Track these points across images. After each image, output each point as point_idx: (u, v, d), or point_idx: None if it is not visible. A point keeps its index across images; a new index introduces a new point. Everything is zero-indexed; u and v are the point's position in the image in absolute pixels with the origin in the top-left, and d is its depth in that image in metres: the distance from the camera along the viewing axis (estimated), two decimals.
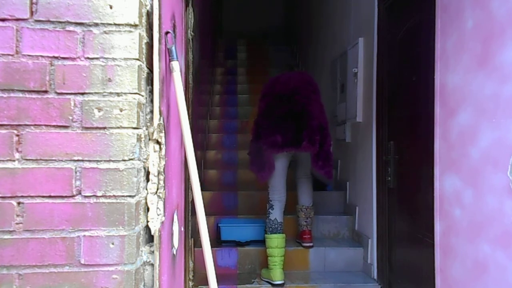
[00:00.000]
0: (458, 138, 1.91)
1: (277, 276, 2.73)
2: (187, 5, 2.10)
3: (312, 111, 2.78)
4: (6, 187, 1.04)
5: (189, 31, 2.20)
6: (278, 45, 7.16)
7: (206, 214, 1.42)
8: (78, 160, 1.07)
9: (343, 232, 3.45)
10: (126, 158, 1.08)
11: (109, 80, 1.08)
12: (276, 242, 2.77)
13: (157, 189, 1.21)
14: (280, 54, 6.84)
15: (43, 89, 1.06)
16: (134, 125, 1.09)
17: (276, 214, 2.84)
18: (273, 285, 2.74)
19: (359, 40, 3.23)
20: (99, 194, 1.07)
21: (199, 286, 2.61)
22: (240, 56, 6.75)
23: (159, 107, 1.24)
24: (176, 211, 1.67)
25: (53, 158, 1.06)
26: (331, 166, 2.84)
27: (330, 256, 3.10)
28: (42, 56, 1.06)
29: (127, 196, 1.08)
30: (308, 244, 3.09)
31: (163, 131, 1.27)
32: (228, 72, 6.18)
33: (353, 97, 3.36)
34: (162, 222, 1.29)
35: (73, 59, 1.07)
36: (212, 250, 1.55)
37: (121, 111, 1.08)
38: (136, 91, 1.09)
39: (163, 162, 1.25)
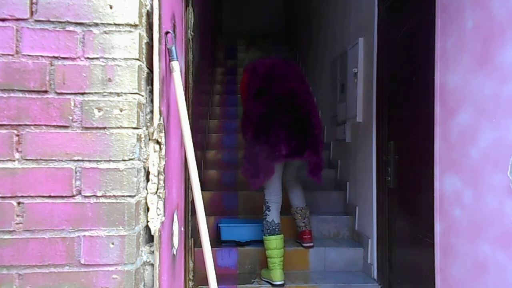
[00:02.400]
0: (458, 138, 1.91)
1: (277, 276, 2.73)
2: (187, 5, 2.10)
3: (314, 119, 2.78)
4: (6, 187, 1.04)
5: (189, 31, 2.20)
6: (278, 45, 7.15)
7: (206, 214, 1.42)
8: (78, 160, 1.07)
9: (343, 232, 3.45)
10: (126, 158, 1.08)
11: (109, 80, 1.08)
12: (274, 243, 2.77)
13: (157, 189, 1.21)
14: (280, 54, 6.84)
15: (43, 89, 1.06)
16: (134, 125, 1.09)
17: (273, 215, 2.83)
18: (273, 285, 2.74)
19: (359, 40, 3.23)
20: (99, 194, 1.07)
21: (199, 286, 2.61)
22: (240, 56, 6.75)
23: (159, 107, 1.24)
24: (176, 211, 1.67)
25: (53, 158, 1.06)
26: (321, 172, 2.87)
27: (330, 256, 3.10)
28: (42, 56, 1.06)
29: (127, 196, 1.08)
30: (308, 244, 3.09)
31: (163, 131, 1.27)
32: (228, 72, 6.18)
33: (353, 97, 3.36)
34: (162, 222, 1.29)
35: (73, 59, 1.07)
36: (212, 250, 1.55)
37: (121, 111, 1.08)
38: (136, 91, 1.09)
39: (163, 162, 1.25)
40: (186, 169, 2.02)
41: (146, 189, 1.17)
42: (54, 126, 1.06)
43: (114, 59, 1.08)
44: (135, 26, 1.09)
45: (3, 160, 1.04)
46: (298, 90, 2.80)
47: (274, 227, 2.81)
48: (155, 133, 1.20)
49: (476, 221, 1.78)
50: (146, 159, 1.16)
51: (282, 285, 2.74)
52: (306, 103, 2.77)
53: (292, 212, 3.14)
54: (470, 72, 1.83)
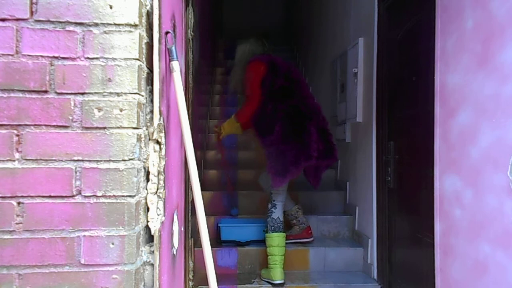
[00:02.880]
0: (458, 138, 1.91)
1: (278, 275, 2.73)
2: (187, 5, 2.10)
3: (329, 128, 2.92)
4: (6, 187, 1.04)
5: (189, 31, 2.20)
6: (278, 45, 7.14)
7: (206, 214, 1.42)
8: (78, 160, 1.07)
9: (343, 232, 3.45)
10: (126, 158, 1.08)
11: (109, 80, 1.08)
12: (277, 240, 2.78)
13: (157, 189, 1.21)
14: (280, 54, 6.82)
15: (43, 89, 1.06)
16: (134, 125, 1.09)
17: (279, 213, 2.86)
18: (273, 284, 2.74)
19: (359, 40, 3.23)
20: (99, 194, 1.07)
21: (199, 286, 2.61)
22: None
23: (159, 107, 1.24)
24: (176, 211, 1.67)
25: (53, 158, 1.06)
26: None
27: (330, 256, 3.10)
28: (42, 56, 1.06)
29: (127, 196, 1.08)
30: (312, 238, 3.16)
31: (163, 131, 1.27)
32: (228, 72, 6.16)
33: (353, 97, 3.36)
34: (162, 222, 1.29)
35: (73, 59, 1.07)
36: (212, 250, 1.55)
37: (121, 111, 1.08)
38: (136, 91, 1.09)
39: (163, 162, 1.25)
40: (186, 169, 2.02)
41: (146, 189, 1.17)
42: (54, 126, 1.06)
43: (114, 59, 1.08)
44: (135, 26, 1.09)
45: (3, 160, 1.04)
46: (312, 98, 2.92)
47: (278, 224, 2.83)
48: (155, 133, 1.20)
49: (476, 221, 1.78)
50: (146, 159, 1.16)
51: (282, 284, 2.74)
52: (320, 110, 2.90)
53: (292, 212, 3.16)
54: (470, 72, 1.83)
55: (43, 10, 1.06)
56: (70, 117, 1.06)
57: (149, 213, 1.18)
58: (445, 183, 2.02)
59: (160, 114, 1.26)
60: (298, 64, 6.31)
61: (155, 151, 1.20)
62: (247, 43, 3.17)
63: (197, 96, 3.08)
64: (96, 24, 1.08)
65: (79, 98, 1.07)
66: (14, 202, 1.04)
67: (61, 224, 1.06)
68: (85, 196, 1.07)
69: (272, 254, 2.77)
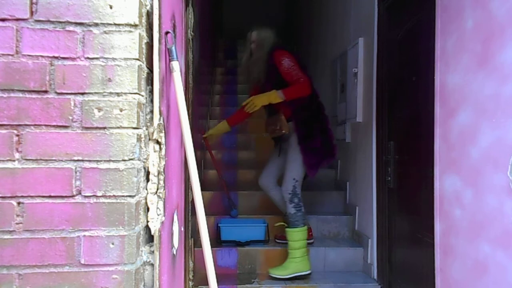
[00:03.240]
0: (458, 138, 1.91)
1: (309, 265, 2.83)
2: (187, 5, 2.10)
3: None
4: (6, 187, 1.04)
5: (189, 31, 2.20)
6: None
7: (206, 214, 1.42)
8: (78, 160, 1.07)
9: (343, 232, 3.45)
10: (126, 158, 1.08)
11: (109, 80, 1.08)
12: (305, 234, 2.84)
13: (157, 189, 1.21)
14: None
15: (43, 89, 1.06)
16: (134, 125, 1.09)
17: (303, 206, 2.90)
18: (304, 276, 2.81)
19: (359, 40, 3.23)
20: (99, 194, 1.07)
21: (199, 286, 2.61)
22: (240, 56, 6.74)
23: (159, 107, 1.24)
24: (176, 211, 1.67)
25: (53, 158, 1.06)
26: None
27: (330, 256, 3.10)
28: (42, 56, 1.06)
29: (127, 196, 1.08)
30: (312, 240, 3.19)
31: (163, 131, 1.27)
32: (228, 72, 6.17)
33: (353, 97, 3.36)
34: (162, 222, 1.29)
35: (73, 59, 1.07)
36: (212, 250, 1.55)
37: (121, 111, 1.08)
38: (136, 91, 1.09)
39: (163, 162, 1.25)
40: (186, 169, 2.02)
41: (146, 189, 1.17)
42: (54, 126, 1.06)
43: (114, 59, 1.08)
44: (135, 26, 1.09)
45: (3, 160, 1.04)
46: None
47: (305, 218, 2.88)
48: (155, 133, 1.20)
49: (476, 221, 1.78)
50: (146, 159, 1.16)
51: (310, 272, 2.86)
52: None
53: None
54: (470, 72, 1.83)
55: (43, 10, 1.06)
56: (70, 117, 1.06)
57: (149, 213, 1.18)
58: (445, 183, 2.02)
59: (160, 114, 1.26)
60: None
61: (155, 151, 1.20)
62: (267, 30, 3.08)
63: (197, 96, 3.08)
64: (96, 24, 1.08)
65: (79, 98, 1.07)
66: (14, 202, 1.04)
67: (61, 224, 1.06)
68: (85, 196, 1.07)
69: (301, 247, 2.81)
